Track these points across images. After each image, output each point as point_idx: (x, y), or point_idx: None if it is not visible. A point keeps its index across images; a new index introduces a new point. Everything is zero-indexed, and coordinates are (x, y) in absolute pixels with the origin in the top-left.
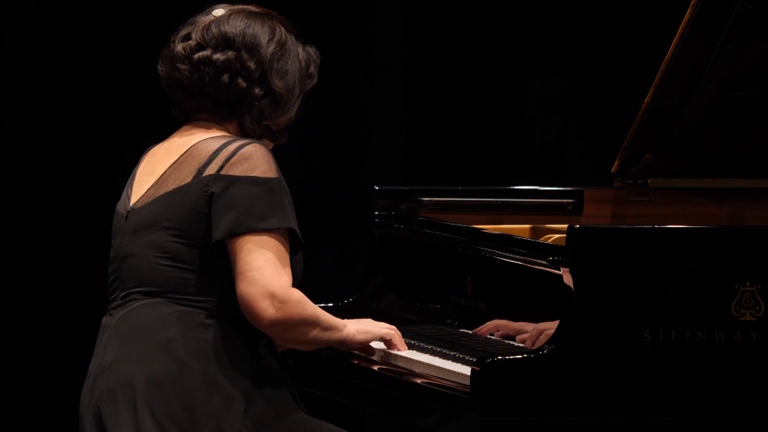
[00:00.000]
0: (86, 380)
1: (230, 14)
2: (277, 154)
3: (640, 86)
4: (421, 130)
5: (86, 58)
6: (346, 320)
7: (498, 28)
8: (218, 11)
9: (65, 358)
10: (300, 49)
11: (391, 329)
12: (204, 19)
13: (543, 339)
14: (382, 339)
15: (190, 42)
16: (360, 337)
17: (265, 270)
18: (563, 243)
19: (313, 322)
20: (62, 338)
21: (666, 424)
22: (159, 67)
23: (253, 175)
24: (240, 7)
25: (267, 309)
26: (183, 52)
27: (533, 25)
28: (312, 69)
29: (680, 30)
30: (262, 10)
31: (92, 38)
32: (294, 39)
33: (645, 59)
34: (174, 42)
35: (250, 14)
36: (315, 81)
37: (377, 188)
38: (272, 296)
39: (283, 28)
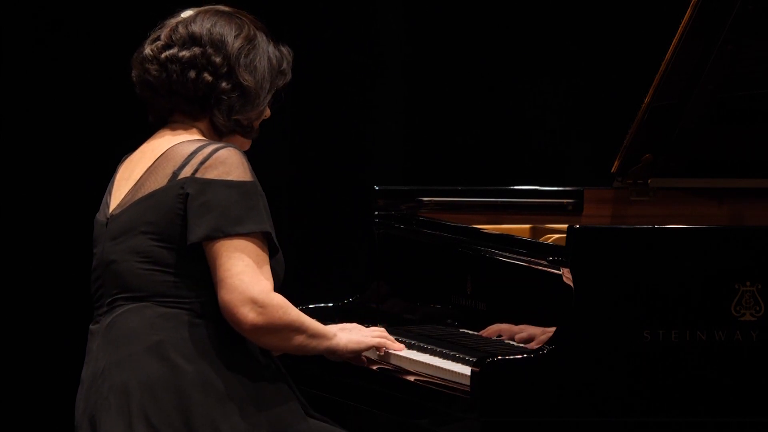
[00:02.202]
0: (79, 388)
1: (197, 14)
2: (278, 154)
3: (640, 86)
4: (422, 131)
5: (86, 58)
6: (334, 327)
7: (499, 29)
8: (186, 12)
9: (58, 365)
10: (271, 47)
11: (381, 336)
12: (172, 21)
13: (543, 338)
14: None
15: (158, 43)
16: (352, 346)
17: (244, 276)
18: (563, 243)
19: (297, 328)
20: (54, 345)
21: (666, 424)
22: (132, 73)
23: (228, 179)
24: (209, 7)
25: (247, 314)
26: (151, 53)
27: (534, 26)
28: (285, 66)
29: (680, 30)
30: (231, 10)
31: (92, 38)
32: (264, 36)
33: (645, 59)
34: (144, 46)
35: (217, 13)
36: (288, 78)
37: (377, 188)
38: (253, 301)
39: (252, 26)
